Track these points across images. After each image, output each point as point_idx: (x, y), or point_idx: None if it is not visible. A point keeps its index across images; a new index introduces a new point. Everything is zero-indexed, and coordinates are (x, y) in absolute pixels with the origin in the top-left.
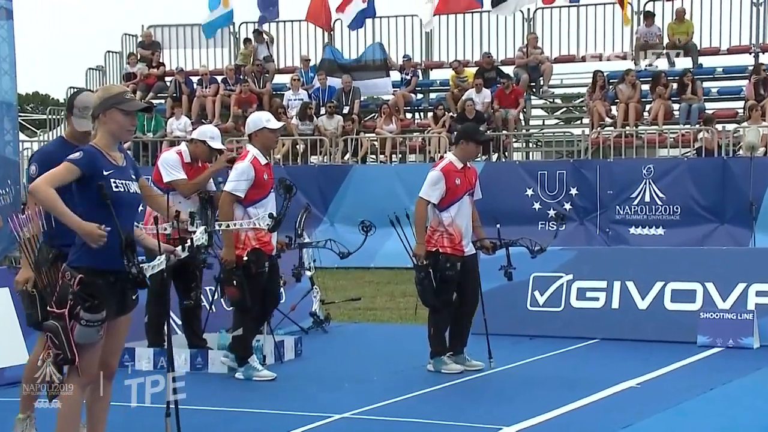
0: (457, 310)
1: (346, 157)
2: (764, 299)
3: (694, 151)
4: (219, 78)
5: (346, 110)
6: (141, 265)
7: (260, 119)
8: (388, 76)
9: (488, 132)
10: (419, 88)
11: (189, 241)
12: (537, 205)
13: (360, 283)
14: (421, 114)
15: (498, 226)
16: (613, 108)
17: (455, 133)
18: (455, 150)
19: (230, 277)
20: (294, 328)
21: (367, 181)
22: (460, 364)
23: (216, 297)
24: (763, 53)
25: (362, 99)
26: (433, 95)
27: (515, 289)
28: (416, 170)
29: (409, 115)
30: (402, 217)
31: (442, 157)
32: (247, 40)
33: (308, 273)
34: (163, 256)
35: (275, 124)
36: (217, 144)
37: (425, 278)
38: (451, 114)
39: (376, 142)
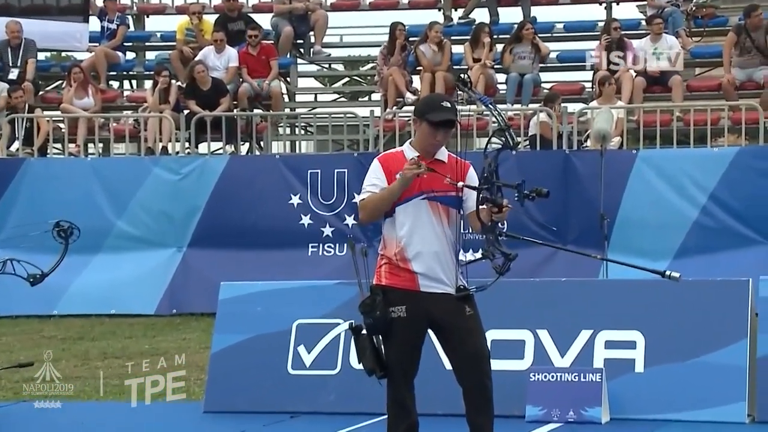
0: None
1: (14, 147)
2: (616, 353)
3: (527, 141)
4: None
5: (13, 74)
6: None
7: None
8: (87, 21)
9: (237, 111)
10: (130, 44)
11: None
12: (306, 219)
13: (35, 341)
14: (134, 83)
15: None
16: (415, 78)
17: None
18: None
19: None
20: None
21: (49, 182)
22: None
23: None
24: (617, 4)
25: (39, 58)
26: (151, 55)
27: (270, 343)
28: (124, 167)
29: (114, 84)
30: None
31: None
32: None
33: None
34: None
35: None
36: None
37: None
38: (179, 83)
39: (62, 125)
